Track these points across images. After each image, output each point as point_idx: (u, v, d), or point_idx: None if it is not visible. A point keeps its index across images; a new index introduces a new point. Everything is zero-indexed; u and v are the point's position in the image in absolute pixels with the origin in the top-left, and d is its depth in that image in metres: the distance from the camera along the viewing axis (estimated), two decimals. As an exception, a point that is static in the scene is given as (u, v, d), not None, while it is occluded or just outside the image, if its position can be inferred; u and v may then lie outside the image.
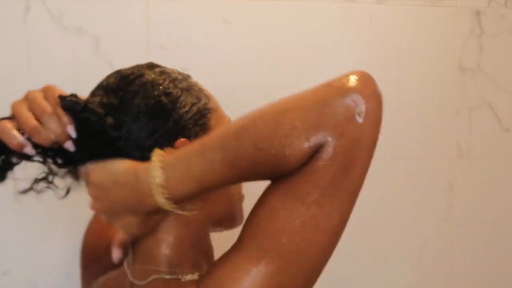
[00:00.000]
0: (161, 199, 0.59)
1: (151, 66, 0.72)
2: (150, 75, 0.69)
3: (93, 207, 0.65)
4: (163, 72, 0.71)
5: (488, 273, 1.33)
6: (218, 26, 1.19)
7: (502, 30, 1.32)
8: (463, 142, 1.30)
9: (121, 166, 0.63)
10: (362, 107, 0.55)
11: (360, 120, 0.55)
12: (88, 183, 0.65)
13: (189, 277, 0.66)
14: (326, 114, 0.55)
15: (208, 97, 0.73)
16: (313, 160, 0.56)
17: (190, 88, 0.71)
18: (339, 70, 1.33)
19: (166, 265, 0.68)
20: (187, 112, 0.68)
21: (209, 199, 0.69)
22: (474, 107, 1.31)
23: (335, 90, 0.57)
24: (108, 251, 0.78)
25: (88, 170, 0.64)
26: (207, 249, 0.74)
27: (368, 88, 0.57)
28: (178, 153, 0.60)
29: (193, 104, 0.69)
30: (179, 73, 0.73)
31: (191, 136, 0.67)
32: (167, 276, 0.67)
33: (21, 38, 1.11)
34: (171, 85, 0.69)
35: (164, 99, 0.67)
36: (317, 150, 0.55)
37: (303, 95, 0.58)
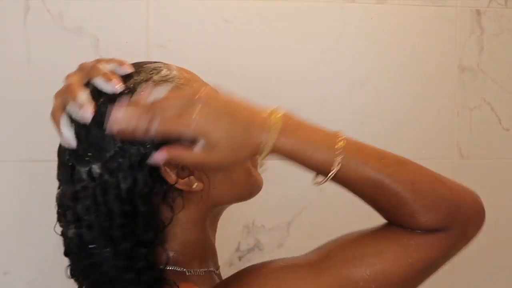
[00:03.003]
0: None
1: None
2: None
3: (210, 158, 0.61)
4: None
5: (488, 273, 1.33)
6: (218, 26, 1.19)
7: (502, 30, 1.32)
8: (463, 142, 1.30)
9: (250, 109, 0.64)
10: (482, 220, 0.69)
11: (477, 231, 0.69)
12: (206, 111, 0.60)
13: (192, 271, 0.67)
14: (467, 210, 0.67)
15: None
16: (436, 234, 0.65)
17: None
18: (339, 70, 1.34)
19: (174, 263, 0.67)
20: None
21: (214, 193, 0.69)
22: (474, 107, 1.31)
23: (476, 200, 0.69)
24: None
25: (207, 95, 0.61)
26: (213, 247, 0.74)
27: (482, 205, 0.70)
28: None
29: None
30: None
31: None
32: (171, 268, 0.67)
33: (21, 38, 1.11)
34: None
35: None
36: (445, 228, 0.65)
37: (457, 184, 0.68)
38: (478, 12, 1.30)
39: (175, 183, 0.64)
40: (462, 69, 1.30)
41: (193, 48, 1.18)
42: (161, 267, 0.64)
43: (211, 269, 0.72)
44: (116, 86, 0.62)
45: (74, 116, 0.62)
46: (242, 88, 1.21)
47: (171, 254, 0.67)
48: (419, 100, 1.29)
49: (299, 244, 1.23)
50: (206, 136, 0.59)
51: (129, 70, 0.65)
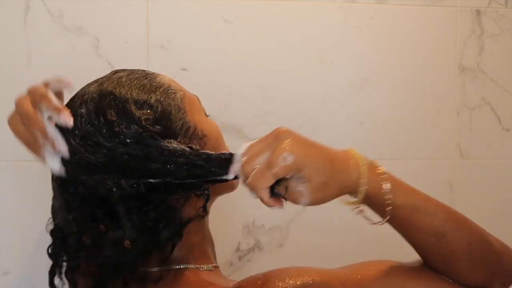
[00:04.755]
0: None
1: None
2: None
3: (314, 200, 0.60)
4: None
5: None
6: (218, 26, 1.19)
7: (502, 30, 1.32)
8: (463, 142, 1.30)
9: (334, 151, 0.63)
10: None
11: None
12: (303, 174, 0.59)
13: (205, 267, 0.67)
14: (508, 270, 0.70)
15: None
16: None
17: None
18: (339, 70, 1.34)
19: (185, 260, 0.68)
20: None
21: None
22: (474, 107, 1.31)
23: None
24: None
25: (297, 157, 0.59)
26: (212, 240, 0.75)
27: None
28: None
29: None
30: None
31: None
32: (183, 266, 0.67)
33: (21, 38, 1.11)
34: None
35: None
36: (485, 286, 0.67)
37: (499, 241, 0.72)
38: (478, 12, 1.30)
39: None
40: (462, 69, 1.30)
41: (193, 48, 1.17)
42: (176, 266, 0.65)
43: (216, 264, 0.72)
44: (68, 120, 0.63)
45: (56, 121, 0.63)
46: (242, 88, 1.21)
47: (183, 251, 0.67)
48: (419, 100, 1.28)
49: (299, 244, 1.23)
50: (301, 169, 0.59)
51: (69, 122, 0.64)
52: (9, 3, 1.10)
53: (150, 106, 0.66)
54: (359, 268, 0.68)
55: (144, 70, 0.73)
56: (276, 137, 0.60)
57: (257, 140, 0.62)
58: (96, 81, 0.71)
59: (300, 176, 0.58)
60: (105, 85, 0.68)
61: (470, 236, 0.66)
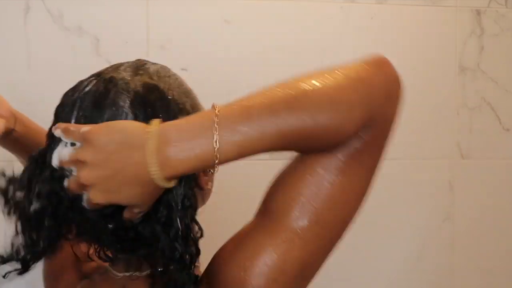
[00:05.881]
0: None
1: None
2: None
3: (86, 178, 0.54)
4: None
5: (488, 273, 1.33)
6: (218, 26, 1.19)
7: (502, 30, 1.32)
8: (463, 142, 1.30)
9: (131, 125, 0.56)
10: (394, 88, 0.64)
11: (397, 103, 0.63)
12: (86, 146, 0.55)
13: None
14: (374, 94, 0.61)
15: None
16: (359, 138, 0.60)
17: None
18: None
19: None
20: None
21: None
22: (474, 107, 1.31)
23: (373, 71, 0.64)
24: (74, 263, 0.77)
25: (87, 130, 0.55)
26: None
27: (392, 69, 0.66)
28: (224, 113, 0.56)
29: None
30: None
31: None
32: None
33: (21, 38, 1.11)
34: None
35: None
36: (367, 126, 0.60)
37: (344, 72, 0.62)
38: (478, 12, 1.30)
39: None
40: (462, 69, 1.30)
41: (193, 48, 1.18)
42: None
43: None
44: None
45: None
46: (242, 88, 1.21)
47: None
48: (419, 100, 1.28)
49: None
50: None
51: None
52: (9, 3, 1.10)
53: (187, 112, 0.64)
54: (261, 205, 0.63)
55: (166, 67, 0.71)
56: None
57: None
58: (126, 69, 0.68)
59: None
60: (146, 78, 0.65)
61: (306, 116, 0.56)
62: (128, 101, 0.61)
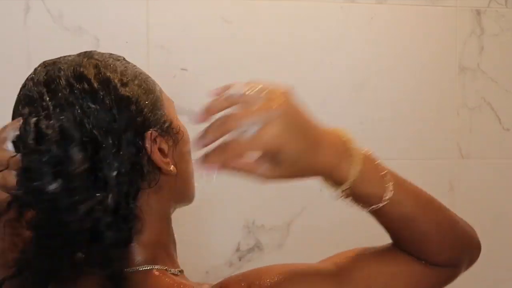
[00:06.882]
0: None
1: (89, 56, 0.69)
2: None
3: (272, 174, 0.57)
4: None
5: (489, 273, 1.33)
6: (218, 26, 1.19)
7: (502, 30, 1.32)
8: (463, 142, 1.30)
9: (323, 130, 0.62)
10: (479, 254, 0.75)
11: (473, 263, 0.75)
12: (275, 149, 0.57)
13: (172, 270, 0.65)
14: (474, 248, 0.73)
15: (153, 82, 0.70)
16: (445, 268, 0.70)
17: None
18: (339, 70, 1.34)
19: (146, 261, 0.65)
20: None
21: (175, 184, 0.67)
22: (474, 107, 1.31)
23: (476, 235, 0.75)
24: None
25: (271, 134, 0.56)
26: (175, 247, 0.72)
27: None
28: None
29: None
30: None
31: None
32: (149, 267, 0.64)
33: (21, 38, 1.11)
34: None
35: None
36: (455, 265, 0.71)
37: (464, 221, 0.73)
38: (478, 12, 1.30)
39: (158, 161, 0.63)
40: (462, 69, 1.30)
41: (193, 48, 1.18)
42: (143, 268, 0.63)
43: (181, 269, 0.69)
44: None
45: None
46: (242, 88, 1.21)
47: (149, 250, 0.64)
48: (419, 100, 1.29)
49: (299, 244, 1.23)
50: (278, 152, 0.57)
51: None
52: (9, 3, 1.10)
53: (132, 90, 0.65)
54: (337, 258, 0.68)
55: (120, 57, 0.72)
56: (267, 109, 0.59)
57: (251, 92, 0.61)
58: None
59: (272, 157, 0.57)
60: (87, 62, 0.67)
61: (438, 217, 0.67)
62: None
